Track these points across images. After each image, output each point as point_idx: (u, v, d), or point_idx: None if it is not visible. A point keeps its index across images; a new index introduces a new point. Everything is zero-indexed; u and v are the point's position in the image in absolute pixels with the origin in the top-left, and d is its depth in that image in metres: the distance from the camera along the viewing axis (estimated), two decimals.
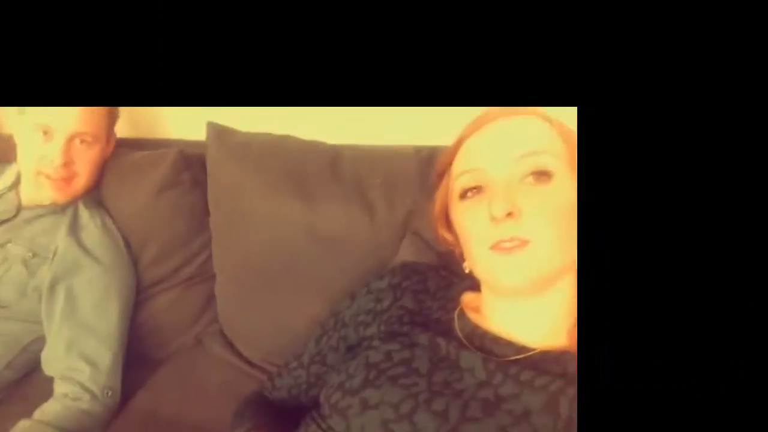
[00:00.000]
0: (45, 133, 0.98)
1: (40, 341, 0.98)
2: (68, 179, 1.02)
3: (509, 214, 0.54)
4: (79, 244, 1.00)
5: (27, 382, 1.02)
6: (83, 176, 1.04)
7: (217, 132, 1.00)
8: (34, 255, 0.99)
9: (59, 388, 0.91)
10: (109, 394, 0.93)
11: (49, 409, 0.88)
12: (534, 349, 0.56)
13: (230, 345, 1.04)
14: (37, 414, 0.87)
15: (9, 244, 0.99)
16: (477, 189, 0.59)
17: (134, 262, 1.07)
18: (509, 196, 0.55)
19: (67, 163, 1.00)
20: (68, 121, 0.98)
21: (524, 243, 0.54)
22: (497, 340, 0.59)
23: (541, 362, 0.55)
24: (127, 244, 1.06)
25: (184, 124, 1.26)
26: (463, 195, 0.60)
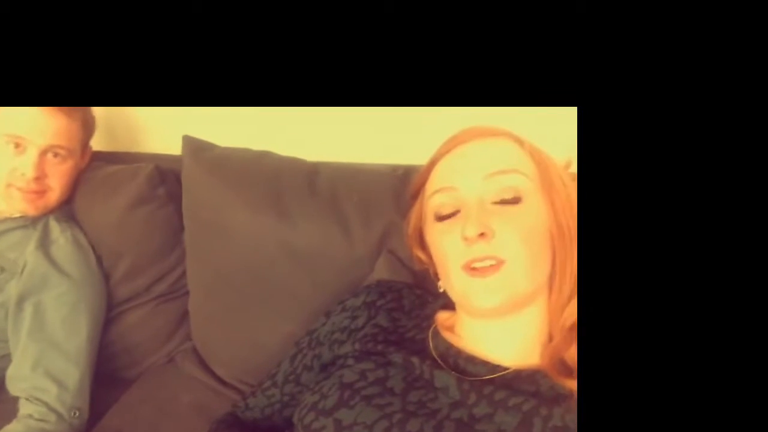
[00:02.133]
0: (17, 145, 0.95)
1: (5, 359, 0.95)
2: (40, 192, 0.99)
3: (482, 235, 0.54)
4: (49, 258, 0.98)
5: None
6: (56, 190, 1.01)
7: (194, 146, 0.98)
8: (2, 270, 0.96)
9: (24, 408, 0.88)
10: (76, 414, 0.91)
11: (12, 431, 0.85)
12: (508, 368, 0.57)
13: (203, 364, 1.02)
14: None
15: None
16: (451, 210, 0.59)
17: (106, 277, 1.05)
18: (481, 218, 0.55)
19: (40, 177, 0.97)
20: (42, 133, 0.96)
21: (499, 264, 0.55)
22: (471, 359, 0.59)
23: (515, 381, 0.56)
24: (99, 260, 1.04)
25: (160, 137, 1.25)
26: (438, 218, 0.60)
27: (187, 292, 1.05)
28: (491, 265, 0.55)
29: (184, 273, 1.05)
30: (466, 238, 0.55)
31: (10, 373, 0.92)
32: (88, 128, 1.07)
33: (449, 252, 0.58)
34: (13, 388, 0.92)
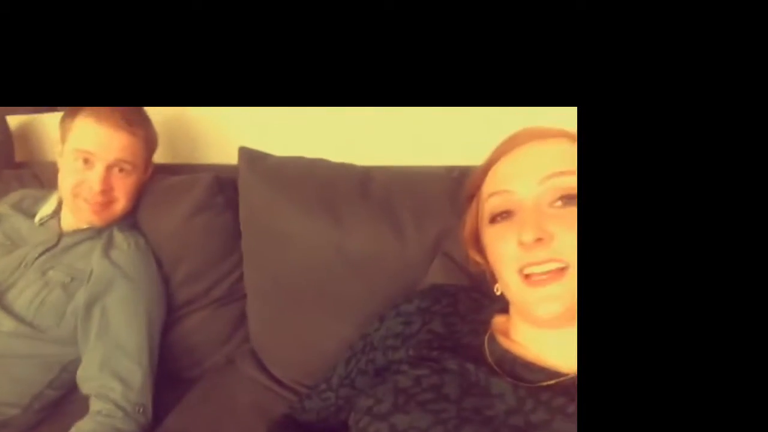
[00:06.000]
0: (86, 161, 1.02)
1: (78, 361, 1.00)
2: (106, 204, 1.06)
3: (539, 240, 0.53)
4: (112, 263, 1.03)
5: (67, 400, 1.04)
6: (121, 201, 1.08)
7: (249, 156, 1.02)
8: (73, 279, 1.02)
9: (94, 405, 0.93)
10: (141, 411, 0.95)
11: (83, 427, 0.90)
12: (566, 375, 0.55)
13: (261, 365, 1.04)
14: (73, 431, 0.89)
15: (50, 271, 1.03)
16: (507, 213, 0.58)
17: (166, 281, 1.09)
18: (538, 222, 0.54)
19: (106, 191, 1.04)
20: (108, 150, 1.02)
21: (563, 269, 0.53)
22: (528, 365, 0.58)
23: (573, 388, 0.54)
24: (160, 264, 1.09)
25: (219, 149, 1.30)
26: (493, 219, 0.59)
27: (244, 296, 1.08)
28: (553, 270, 0.54)
29: (240, 277, 1.08)
30: (522, 243, 0.54)
31: (81, 373, 0.97)
32: (150, 145, 1.13)
33: (505, 256, 0.57)
34: (84, 387, 0.97)
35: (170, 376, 1.07)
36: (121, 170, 1.05)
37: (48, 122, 1.62)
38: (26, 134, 1.71)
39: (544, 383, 0.55)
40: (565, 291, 0.53)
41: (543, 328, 0.58)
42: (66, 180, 1.04)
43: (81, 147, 1.02)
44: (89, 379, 0.96)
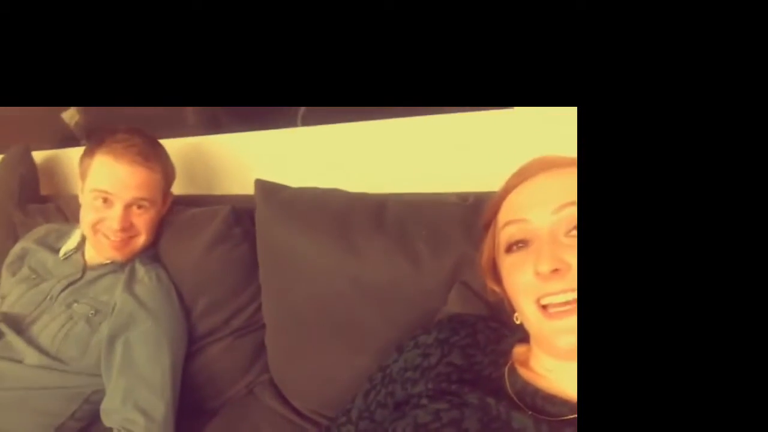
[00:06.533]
0: (105, 200, 1.04)
1: (101, 392, 1.01)
2: (127, 240, 1.08)
3: (555, 271, 0.53)
4: (134, 297, 1.04)
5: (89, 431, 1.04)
6: (141, 236, 1.10)
7: (265, 189, 1.03)
8: (97, 312, 1.03)
9: None
10: None
11: None
12: None
13: (281, 396, 1.04)
14: None
15: (75, 304, 1.05)
16: (523, 242, 0.58)
17: (187, 313, 1.10)
18: (554, 252, 0.54)
19: (125, 228, 1.06)
20: (126, 188, 1.04)
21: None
22: (550, 398, 0.57)
23: None
24: (180, 296, 1.10)
25: (236, 178, 1.32)
26: (509, 249, 0.59)
27: (263, 326, 1.08)
28: (571, 301, 0.53)
29: (259, 308, 1.09)
30: (539, 274, 0.54)
31: (104, 406, 0.98)
32: (168, 178, 1.14)
33: (522, 286, 0.56)
34: (107, 419, 0.97)
35: (192, 406, 1.07)
36: (139, 207, 1.07)
37: (73, 156, 1.66)
38: (51, 168, 1.76)
39: (567, 417, 0.54)
40: None
41: (563, 360, 0.57)
42: (87, 217, 1.06)
43: (99, 187, 1.04)
44: (112, 412, 0.97)
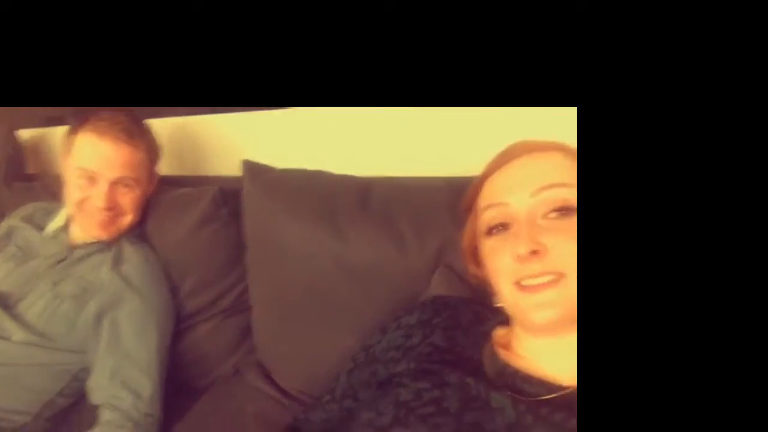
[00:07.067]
0: (90, 178, 1.03)
1: (88, 369, 1.02)
2: (112, 219, 1.07)
3: (534, 253, 0.54)
4: (121, 276, 1.04)
5: (76, 409, 1.05)
6: (127, 215, 1.09)
7: (252, 169, 1.03)
8: (84, 291, 1.03)
9: (103, 415, 0.94)
10: (150, 421, 0.96)
11: None
12: (567, 388, 0.55)
13: (267, 375, 1.05)
14: None
15: (61, 283, 1.04)
16: (502, 226, 0.59)
17: (174, 293, 1.10)
18: (533, 234, 0.55)
19: (111, 207, 1.05)
20: (111, 167, 1.03)
21: (559, 278, 0.54)
22: (528, 378, 0.58)
23: (574, 402, 0.54)
24: (168, 276, 1.10)
25: (223, 159, 1.31)
26: (489, 232, 0.60)
27: (250, 307, 1.09)
28: (549, 281, 0.54)
29: (246, 288, 1.10)
30: (518, 256, 0.55)
31: (90, 383, 0.99)
32: (152, 156, 1.13)
33: (501, 269, 0.57)
34: (94, 396, 0.98)
35: (179, 385, 1.08)
36: (125, 186, 1.06)
37: (59, 135, 1.65)
38: (37, 147, 1.74)
39: (544, 397, 0.55)
40: (561, 297, 0.54)
41: (541, 335, 0.58)
42: (71, 196, 1.06)
43: (83, 165, 1.03)
44: (99, 389, 0.97)
